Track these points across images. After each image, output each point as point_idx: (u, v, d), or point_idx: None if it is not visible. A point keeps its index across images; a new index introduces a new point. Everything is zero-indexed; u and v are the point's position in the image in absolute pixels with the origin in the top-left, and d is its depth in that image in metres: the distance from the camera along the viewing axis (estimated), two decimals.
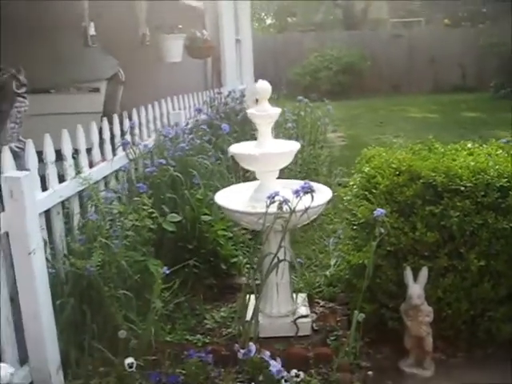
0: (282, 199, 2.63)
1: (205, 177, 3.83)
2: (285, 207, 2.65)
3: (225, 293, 3.69)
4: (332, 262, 3.95)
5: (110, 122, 3.65)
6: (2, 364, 2.23)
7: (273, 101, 3.52)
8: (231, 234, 3.96)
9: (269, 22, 25.31)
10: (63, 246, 2.87)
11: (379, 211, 2.66)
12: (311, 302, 3.44)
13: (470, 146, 3.29)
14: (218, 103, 5.76)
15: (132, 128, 3.82)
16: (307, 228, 4.49)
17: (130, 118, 3.95)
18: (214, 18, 7.06)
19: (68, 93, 4.95)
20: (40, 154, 2.72)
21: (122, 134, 3.78)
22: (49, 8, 4.47)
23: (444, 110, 11.40)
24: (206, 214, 3.73)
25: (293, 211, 2.68)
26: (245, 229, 4.21)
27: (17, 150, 2.54)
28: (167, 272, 2.84)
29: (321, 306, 3.46)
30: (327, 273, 3.78)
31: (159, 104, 4.62)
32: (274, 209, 2.73)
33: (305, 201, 2.69)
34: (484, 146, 3.30)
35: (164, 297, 3.06)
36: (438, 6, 16.72)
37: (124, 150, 3.66)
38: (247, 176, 4.60)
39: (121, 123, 3.78)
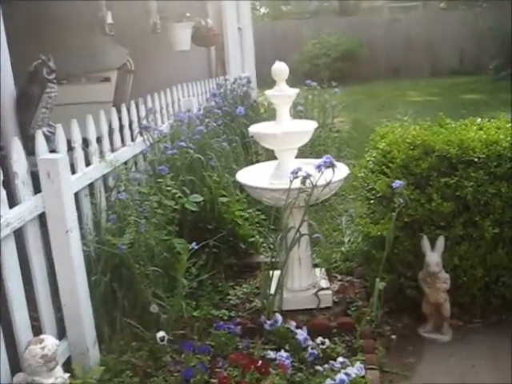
0: (305, 174, 2.74)
1: (221, 159, 3.94)
2: (307, 182, 2.76)
3: (244, 271, 3.82)
4: (346, 239, 4.08)
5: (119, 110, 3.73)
6: (49, 336, 2.36)
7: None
8: (247, 215, 4.07)
9: (263, 11, 25.26)
10: (92, 226, 2.97)
11: (398, 183, 2.78)
12: (329, 277, 3.56)
13: (479, 121, 3.40)
14: (225, 90, 5.85)
15: (148, 114, 3.92)
16: (319, 208, 4.62)
17: (145, 105, 4.04)
18: (217, 7, 7.13)
19: (79, 83, 5.04)
20: None
21: (139, 120, 3.88)
22: None
23: (444, 92, 11.50)
24: (223, 196, 3.84)
25: (315, 186, 2.80)
26: (259, 210, 4.34)
27: (48, 134, 2.64)
28: (196, 247, 2.96)
29: (339, 280, 3.58)
30: (343, 249, 3.91)
31: (170, 91, 4.72)
32: (296, 184, 2.84)
33: (326, 175, 2.80)
34: (492, 120, 3.41)
35: (189, 274, 3.17)
36: None
37: (141, 135, 3.76)
38: (259, 160, 4.73)
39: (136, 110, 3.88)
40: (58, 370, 2.33)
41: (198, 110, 4.57)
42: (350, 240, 4.04)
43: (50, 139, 2.63)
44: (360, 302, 3.26)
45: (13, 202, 2.40)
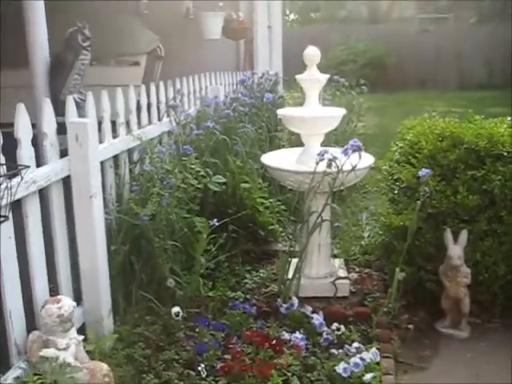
0: (331, 156, 2.72)
1: (246, 145, 3.94)
2: (334, 165, 2.74)
3: (262, 258, 3.81)
4: (365, 234, 4.05)
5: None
6: (66, 297, 2.37)
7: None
8: (268, 203, 4.06)
9: (292, 17, 25.34)
10: (114, 197, 2.98)
11: (424, 171, 2.75)
12: (347, 268, 3.53)
13: (509, 119, 3.35)
14: (252, 82, 5.84)
15: (176, 95, 3.93)
16: (340, 203, 4.59)
17: (174, 87, 4.05)
18: (249, 4, 7.15)
19: (109, 65, 5.06)
20: None
21: (167, 100, 3.89)
22: None
23: (471, 105, 11.34)
24: (245, 182, 3.84)
25: (340, 170, 2.78)
26: (279, 200, 4.33)
27: (79, 100, 2.66)
28: (217, 224, 2.95)
29: (357, 272, 3.55)
30: (362, 243, 3.88)
31: (199, 78, 4.73)
32: (321, 168, 2.82)
33: (352, 160, 2.78)
34: None
35: (208, 254, 3.17)
36: (465, 4, 16.68)
37: (168, 115, 3.76)
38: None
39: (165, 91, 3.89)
40: (73, 332, 2.34)
41: (224, 98, 4.57)
42: (369, 235, 4.01)
43: (80, 106, 2.64)
44: (377, 294, 3.23)
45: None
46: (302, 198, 3.13)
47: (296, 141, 4.48)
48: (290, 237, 3.50)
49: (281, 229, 4.09)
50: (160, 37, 5.15)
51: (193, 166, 3.22)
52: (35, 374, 2.07)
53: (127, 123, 3.21)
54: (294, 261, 3.20)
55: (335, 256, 3.57)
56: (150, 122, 3.59)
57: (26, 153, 2.22)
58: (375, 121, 8.73)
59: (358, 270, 3.58)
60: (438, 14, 17.17)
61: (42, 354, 2.11)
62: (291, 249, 3.23)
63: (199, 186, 3.24)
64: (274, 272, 3.54)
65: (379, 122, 8.81)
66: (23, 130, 2.21)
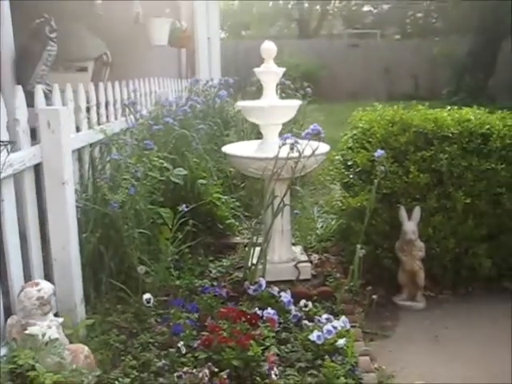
0: (293, 141, 2.87)
1: (201, 141, 4.04)
2: (295, 149, 2.89)
3: (222, 250, 3.89)
4: (319, 225, 4.22)
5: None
6: (44, 280, 2.38)
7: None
8: (224, 199, 4.17)
9: (223, 35, 25.66)
10: (80, 188, 3.00)
11: (380, 152, 2.95)
12: (307, 254, 3.68)
13: (448, 108, 3.63)
14: (197, 89, 5.95)
15: (131, 94, 3.99)
16: (292, 198, 4.77)
17: (127, 88, 4.11)
18: (189, 15, 7.28)
19: (57, 71, 5.01)
20: None
21: (122, 100, 3.94)
22: None
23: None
24: (203, 177, 3.93)
25: (301, 154, 2.93)
26: (233, 197, 4.45)
27: (46, 91, 2.69)
28: (186, 209, 3.03)
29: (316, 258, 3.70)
30: (317, 231, 4.04)
31: (149, 81, 4.80)
32: (282, 154, 2.96)
33: (313, 145, 2.94)
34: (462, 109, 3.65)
35: (173, 243, 3.24)
36: (389, 21, 17.58)
37: (123, 112, 3.82)
38: None
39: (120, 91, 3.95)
40: (51, 316, 2.35)
41: (176, 97, 4.67)
42: (322, 226, 4.19)
43: (47, 97, 2.67)
44: (337, 275, 3.39)
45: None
46: (256, 194, 3.24)
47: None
48: (253, 225, 3.62)
49: (237, 223, 4.21)
50: (109, 41, 5.15)
51: (155, 159, 3.28)
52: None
53: (88, 119, 3.26)
54: (257, 249, 3.31)
55: (293, 244, 3.71)
56: (108, 120, 3.64)
57: (1, 136, 2.23)
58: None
59: (316, 255, 3.74)
60: (365, 30, 17.96)
61: (27, 332, 2.12)
62: (254, 237, 3.33)
63: (162, 178, 3.32)
64: (236, 261, 3.64)
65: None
66: None
